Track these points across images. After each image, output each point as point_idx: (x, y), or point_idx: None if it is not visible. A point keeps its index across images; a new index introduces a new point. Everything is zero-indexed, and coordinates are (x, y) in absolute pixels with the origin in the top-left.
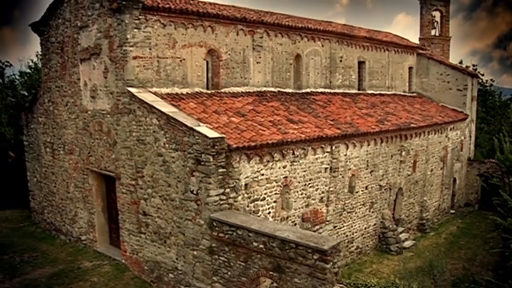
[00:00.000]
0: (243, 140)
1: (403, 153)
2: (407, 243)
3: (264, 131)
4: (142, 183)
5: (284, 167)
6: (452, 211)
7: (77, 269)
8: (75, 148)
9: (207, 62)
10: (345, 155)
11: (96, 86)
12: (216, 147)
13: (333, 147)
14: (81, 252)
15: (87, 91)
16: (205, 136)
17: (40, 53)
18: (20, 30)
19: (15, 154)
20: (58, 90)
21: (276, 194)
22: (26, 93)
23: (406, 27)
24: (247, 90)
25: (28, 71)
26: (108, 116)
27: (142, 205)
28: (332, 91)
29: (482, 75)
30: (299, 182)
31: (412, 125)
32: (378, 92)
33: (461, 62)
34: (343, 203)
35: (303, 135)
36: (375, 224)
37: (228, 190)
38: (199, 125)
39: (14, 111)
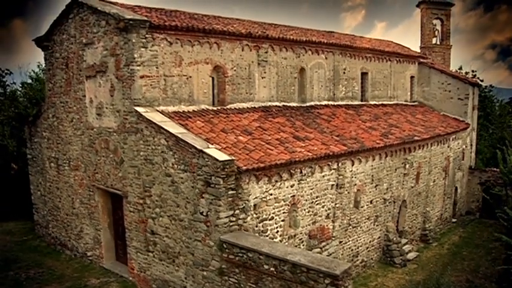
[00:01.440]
0: (252, 161)
1: (407, 166)
2: (410, 255)
3: (271, 150)
4: (150, 202)
5: (292, 186)
6: (453, 220)
7: (84, 286)
8: (80, 164)
9: (213, 79)
10: (351, 170)
11: (102, 104)
12: (226, 169)
13: (339, 164)
14: (88, 268)
15: (92, 108)
16: (215, 159)
17: (41, 63)
18: (33, 21)
19: (17, 166)
20: (63, 106)
21: (283, 213)
22: (28, 104)
23: None
24: (253, 106)
25: (29, 81)
26: (115, 134)
27: (150, 224)
28: (335, 103)
29: (482, 80)
30: (306, 200)
31: (416, 138)
32: (380, 103)
33: (460, 68)
34: (348, 218)
35: (310, 154)
36: (379, 237)
37: (237, 211)
38: (209, 147)
39: (16, 123)
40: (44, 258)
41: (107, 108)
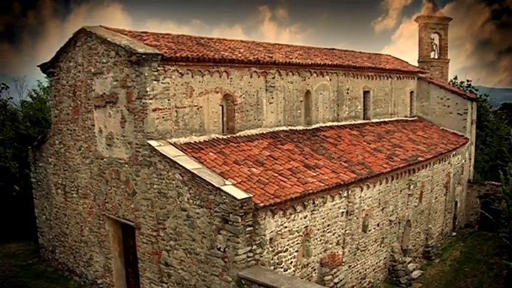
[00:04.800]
0: (267, 196)
1: (411, 186)
2: (415, 274)
3: (285, 182)
4: (164, 234)
5: (305, 217)
6: (453, 233)
7: None
8: (89, 193)
9: (222, 107)
10: (360, 197)
11: (113, 134)
12: (244, 207)
13: (349, 192)
14: None
15: (102, 138)
16: (234, 197)
17: (41, 81)
18: (62, 0)
19: (19, 188)
20: (70, 133)
21: (297, 243)
22: (28, 124)
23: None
24: (261, 132)
25: (29, 99)
26: (127, 165)
27: (164, 256)
28: (340, 124)
29: (477, 90)
30: (318, 230)
31: (420, 159)
32: (382, 120)
33: (456, 78)
34: (357, 242)
35: (323, 185)
36: (385, 258)
37: (254, 247)
38: (225, 184)
39: (18, 143)
40: (53, 285)
41: (117, 139)
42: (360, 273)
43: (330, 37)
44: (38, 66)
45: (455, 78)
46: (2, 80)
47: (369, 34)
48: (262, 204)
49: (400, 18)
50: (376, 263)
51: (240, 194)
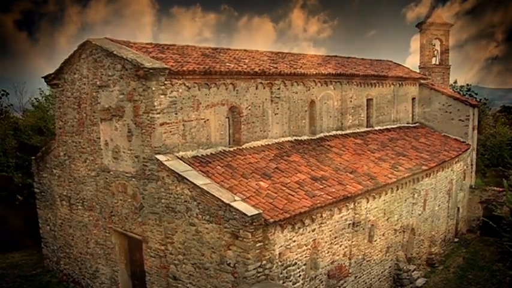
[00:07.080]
0: (277, 211)
1: (415, 195)
2: (419, 282)
3: (293, 196)
4: (172, 249)
5: (313, 231)
6: (455, 239)
7: None
8: (95, 205)
9: (228, 119)
10: (366, 208)
11: (119, 148)
12: (254, 223)
13: (356, 203)
14: None
15: (108, 151)
16: (244, 214)
17: (42, 89)
18: None
19: (22, 197)
20: (75, 145)
21: (305, 257)
22: (30, 132)
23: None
24: (267, 143)
25: (30, 107)
26: (134, 179)
27: (173, 270)
28: (343, 133)
29: (476, 94)
30: (326, 242)
31: (424, 167)
32: (385, 127)
33: (455, 82)
34: (363, 253)
35: (330, 197)
36: (390, 267)
37: (264, 262)
38: (235, 200)
39: (21, 153)
40: None
41: (124, 152)
42: (365, 283)
43: (359, 25)
44: (42, 77)
45: (455, 82)
46: (2, 85)
47: (399, 22)
48: (272, 220)
49: (433, 6)
50: (382, 272)
51: (250, 210)
